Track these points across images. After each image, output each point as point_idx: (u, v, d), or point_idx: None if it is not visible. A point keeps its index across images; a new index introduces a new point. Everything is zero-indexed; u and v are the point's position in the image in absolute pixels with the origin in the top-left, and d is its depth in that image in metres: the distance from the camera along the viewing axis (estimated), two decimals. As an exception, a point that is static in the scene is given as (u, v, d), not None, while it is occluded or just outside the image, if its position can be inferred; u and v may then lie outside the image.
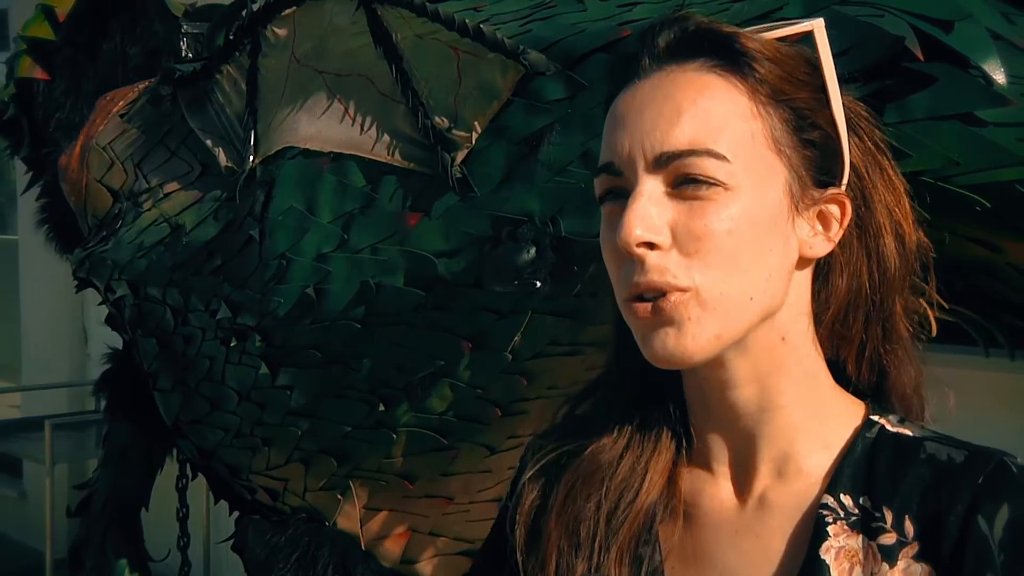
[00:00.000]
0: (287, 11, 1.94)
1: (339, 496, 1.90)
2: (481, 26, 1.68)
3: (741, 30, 0.92)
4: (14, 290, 6.62)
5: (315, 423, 1.86)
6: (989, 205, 1.36)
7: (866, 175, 0.95)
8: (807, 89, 0.92)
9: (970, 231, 1.41)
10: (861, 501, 0.91)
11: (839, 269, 0.95)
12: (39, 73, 2.58)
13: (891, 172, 0.97)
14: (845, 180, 0.94)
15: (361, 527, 1.90)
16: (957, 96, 1.35)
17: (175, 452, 2.30)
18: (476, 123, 1.67)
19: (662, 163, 0.88)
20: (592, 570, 0.95)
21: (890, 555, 0.89)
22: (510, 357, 1.67)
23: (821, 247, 0.93)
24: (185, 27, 2.40)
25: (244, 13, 2.08)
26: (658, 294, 0.88)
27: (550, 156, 1.60)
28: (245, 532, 2.03)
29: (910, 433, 0.95)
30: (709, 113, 0.89)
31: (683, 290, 0.88)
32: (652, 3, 1.64)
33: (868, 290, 0.95)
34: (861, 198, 0.95)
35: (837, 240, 0.94)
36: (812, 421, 0.95)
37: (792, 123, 0.91)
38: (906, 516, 0.90)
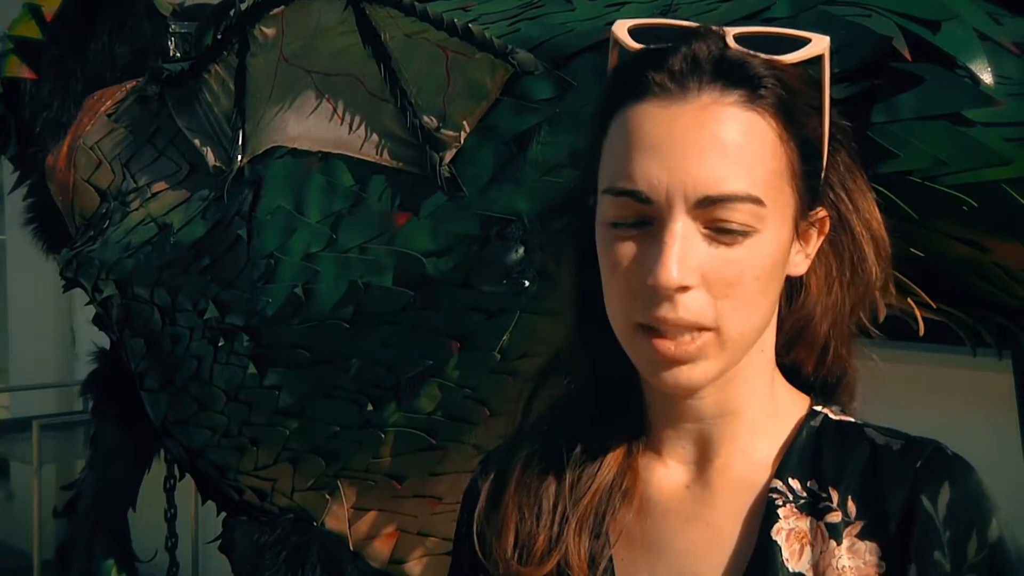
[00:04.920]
0: (275, 10, 1.94)
1: (327, 496, 1.90)
2: (470, 25, 1.68)
3: (772, 60, 0.90)
4: (2, 290, 6.60)
5: (303, 423, 1.86)
6: (976, 205, 1.37)
7: (841, 187, 0.96)
8: (816, 116, 0.93)
9: (957, 231, 1.41)
10: (809, 484, 0.94)
11: (811, 279, 0.96)
12: (26, 72, 2.57)
13: (862, 181, 0.98)
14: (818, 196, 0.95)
15: (349, 527, 1.90)
16: (944, 96, 1.36)
17: (163, 452, 2.30)
18: (464, 122, 1.67)
19: (703, 205, 0.87)
20: (553, 540, 0.96)
21: (836, 533, 0.92)
22: (498, 357, 1.67)
23: (803, 266, 0.96)
24: (173, 26, 2.39)
25: (232, 12, 2.08)
26: (684, 331, 0.88)
27: (538, 155, 1.60)
28: (233, 532, 2.03)
29: (852, 420, 0.98)
30: (750, 155, 0.88)
31: (709, 329, 0.88)
32: (640, 2, 1.64)
33: (840, 299, 0.97)
34: (836, 211, 0.96)
35: (812, 257, 0.96)
36: (766, 420, 0.97)
37: (803, 154, 0.92)
38: (848, 496, 0.93)
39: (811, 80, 0.92)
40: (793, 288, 0.97)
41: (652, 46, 0.92)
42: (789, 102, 0.90)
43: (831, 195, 0.96)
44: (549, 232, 1.57)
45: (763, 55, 0.90)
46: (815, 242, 0.95)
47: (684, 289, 0.87)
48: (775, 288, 0.92)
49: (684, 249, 0.86)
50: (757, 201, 0.87)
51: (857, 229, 0.96)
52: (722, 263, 0.87)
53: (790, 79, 0.90)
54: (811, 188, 0.93)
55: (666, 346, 0.88)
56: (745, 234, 0.87)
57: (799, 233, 0.93)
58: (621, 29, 0.93)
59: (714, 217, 0.87)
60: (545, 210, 1.57)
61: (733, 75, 0.89)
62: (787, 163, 0.90)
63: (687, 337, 0.88)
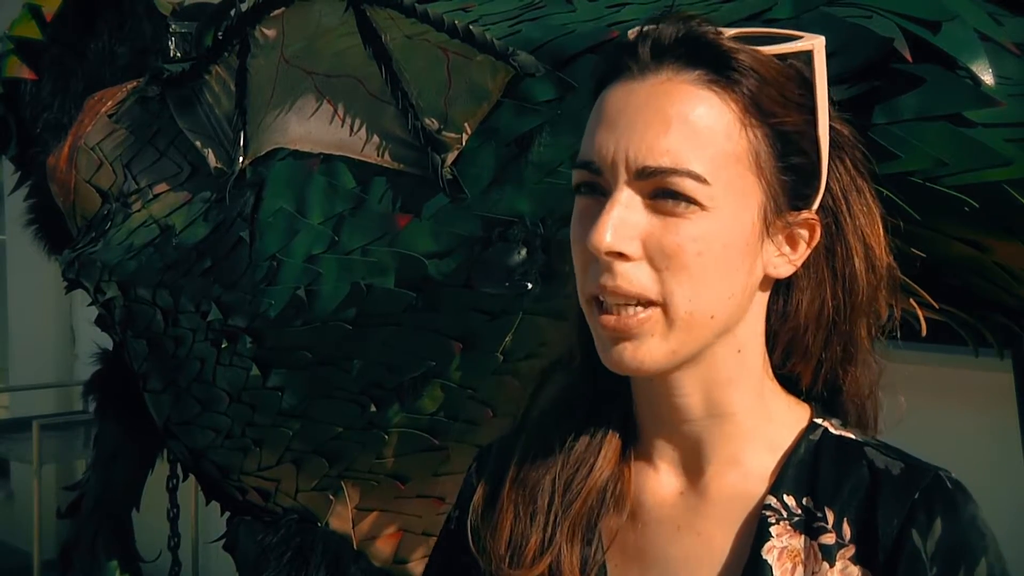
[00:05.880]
0: (276, 11, 1.94)
1: (331, 496, 1.90)
2: (471, 27, 1.68)
3: (742, 46, 0.91)
4: (2, 290, 6.60)
5: (306, 424, 1.86)
6: (977, 205, 1.37)
7: (842, 198, 0.95)
8: (797, 111, 0.92)
9: (958, 231, 1.42)
10: (804, 502, 0.93)
11: (802, 288, 0.95)
12: (26, 73, 2.57)
13: (869, 195, 0.97)
14: (817, 204, 0.94)
15: (353, 527, 1.90)
16: (945, 97, 1.36)
17: (166, 453, 2.30)
18: (466, 124, 1.67)
19: (643, 175, 0.88)
20: (545, 542, 0.96)
21: (829, 555, 0.91)
22: (501, 358, 1.67)
23: (784, 269, 0.94)
24: (173, 26, 2.39)
25: (233, 13, 2.08)
26: (623, 302, 0.89)
27: (540, 157, 1.60)
28: (236, 532, 2.03)
29: (852, 436, 0.97)
30: (697, 132, 0.88)
31: (650, 302, 0.89)
32: (641, 3, 1.64)
33: (832, 311, 0.96)
34: (834, 221, 0.95)
35: (800, 262, 0.94)
36: (759, 425, 0.96)
37: (777, 147, 0.91)
38: (844, 518, 0.92)
39: (795, 75, 0.92)
40: (787, 297, 0.96)
41: (632, 35, 0.94)
42: (757, 89, 0.90)
43: (830, 202, 0.95)
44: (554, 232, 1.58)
45: (736, 42, 0.91)
46: (803, 248, 0.94)
47: (623, 257, 0.88)
48: (734, 275, 0.90)
49: (622, 216, 0.88)
50: (698, 178, 0.87)
51: (851, 242, 0.95)
52: (662, 233, 0.88)
53: (762, 67, 0.90)
54: (792, 186, 0.92)
55: (609, 319, 0.89)
56: (689, 208, 0.88)
57: (775, 230, 0.92)
58: (632, 32, 0.95)
59: (657, 187, 0.88)
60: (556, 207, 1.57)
61: (695, 54, 0.90)
62: (749, 150, 0.90)
63: (630, 311, 0.89)
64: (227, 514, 2.08)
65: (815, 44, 0.93)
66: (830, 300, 0.95)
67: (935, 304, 1.46)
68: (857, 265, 0.95)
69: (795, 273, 0.95)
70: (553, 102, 1.60)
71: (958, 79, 1.36)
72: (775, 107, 0.90)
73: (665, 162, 0.87)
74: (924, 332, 1.47)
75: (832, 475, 0.94)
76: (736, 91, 0.89)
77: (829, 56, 0.95)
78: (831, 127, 0.94)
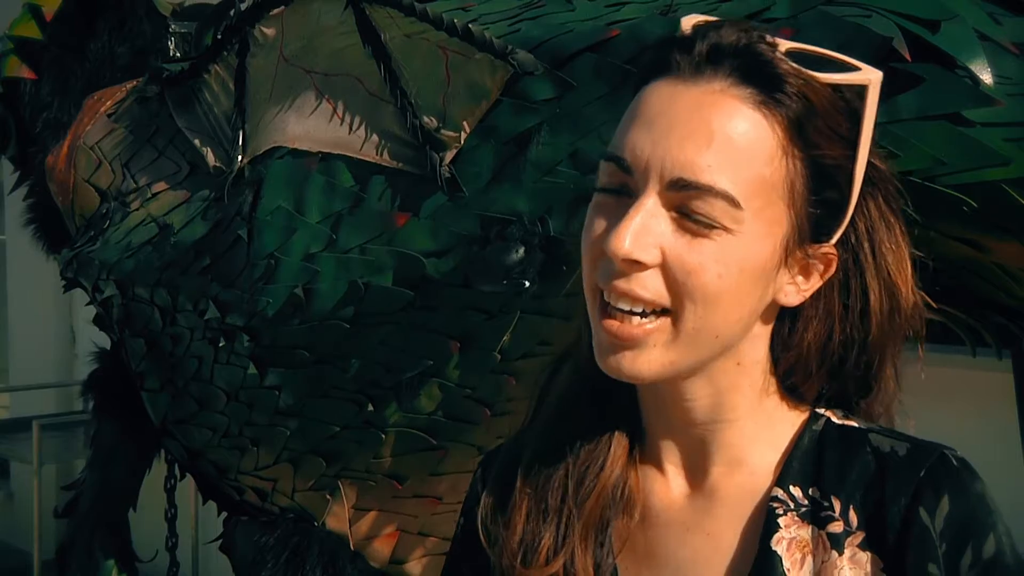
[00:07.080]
0: (275, 11, 1.94)
1: (328, 496, 1.90)
2: (470, 26, 1.68)
3: (799, 70, 0.87)
4: (2, 290, 6.60)
5: (303, 423, 1.86)
6: (976, 205, 1.37)
7: (866, 236, 0.93)
8: (840, 145, 0.89)
9: (957, 231, 1.41)
10: (811, 492, 0.93)
11: (808, 317, 0.94)
12: (26, 72, 2.57)
13: (899, 233, 0.94)
14: (837, 238, 0.92)
15: (350, 527, 1.90)
16: (944, 96, 1.36)
17: (163, 452, 2.30)
18: (464, 123, 1.67)
19: (676, 187, 0.86)
20: (559, 541, 0.95)
21: (838, 543, 0.90)
22: (499, 357, 1.67)
23: (794, 298, 0.93)
24: (173, 26, 2.39)
25: (232, 12, 2.08)
26: (631, 307, 0.87)
27: (538, 156, 1.60)
28: (233, 532, 2.03)
29: (856, 424, 0.96)
30: (739, 153, 0.86)
31: (663, 310, 0.87)
32: (640, 2, 1.64)
33: (838, 346, 0.94)
34: (852, 257, 0.93)
35: (810, 293, 0.93)
36: (761, 429, 0.96)
37: (813, 179, 0.89)
38: (851, 506, 0.91)
39: (844, 107, 0.89)
40: (792, 325, 0.95)
41: (688, 32, 0.91)
42: (805, 118, 0.87)
43: (852, 239, 0.92)
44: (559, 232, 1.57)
45: (794, 64, 0.88)
46: (815, 280, 0.92)
47: (639, 265, 0.86)
48: (746, 300, 0.89)
49: (645, 224, 0.86)
50: (732, 201, 0.85)
51: (867, 280, 0.93)
52: (685, 250, 0.86)
53: (815, 96, 0.88)
54: (819, 219, 0.90)
55: (611, 324, 0.88)
56: (714, 229, 0.86)
57: (793, 260, 0.90)
58: (687, 23, 0.92)
59: (687, 203, 0.86)
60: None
61: (751, 71, 0.87)
62: (785, 178, 0.88)
63: (635, 320, 0.87)
64: (224, 514, 2.08)
65: (872, 79, 0.90)
66: (838, 334, 0.94)
67: (933, 304, 1.46)
68: (872, 303, 0.93)
69: (803, 308, 0.94)
70: (552, 101, 1.60)
71: (957, 78, 1.36)
72: (819, 138, 0.88)
73: (703, 179, 0.85)
74: (922, 332, 1.46)
75: (837, 464, 0.93)
76: (784, 116, 0.87)
77: None
78: (868, 162, 0.91)
